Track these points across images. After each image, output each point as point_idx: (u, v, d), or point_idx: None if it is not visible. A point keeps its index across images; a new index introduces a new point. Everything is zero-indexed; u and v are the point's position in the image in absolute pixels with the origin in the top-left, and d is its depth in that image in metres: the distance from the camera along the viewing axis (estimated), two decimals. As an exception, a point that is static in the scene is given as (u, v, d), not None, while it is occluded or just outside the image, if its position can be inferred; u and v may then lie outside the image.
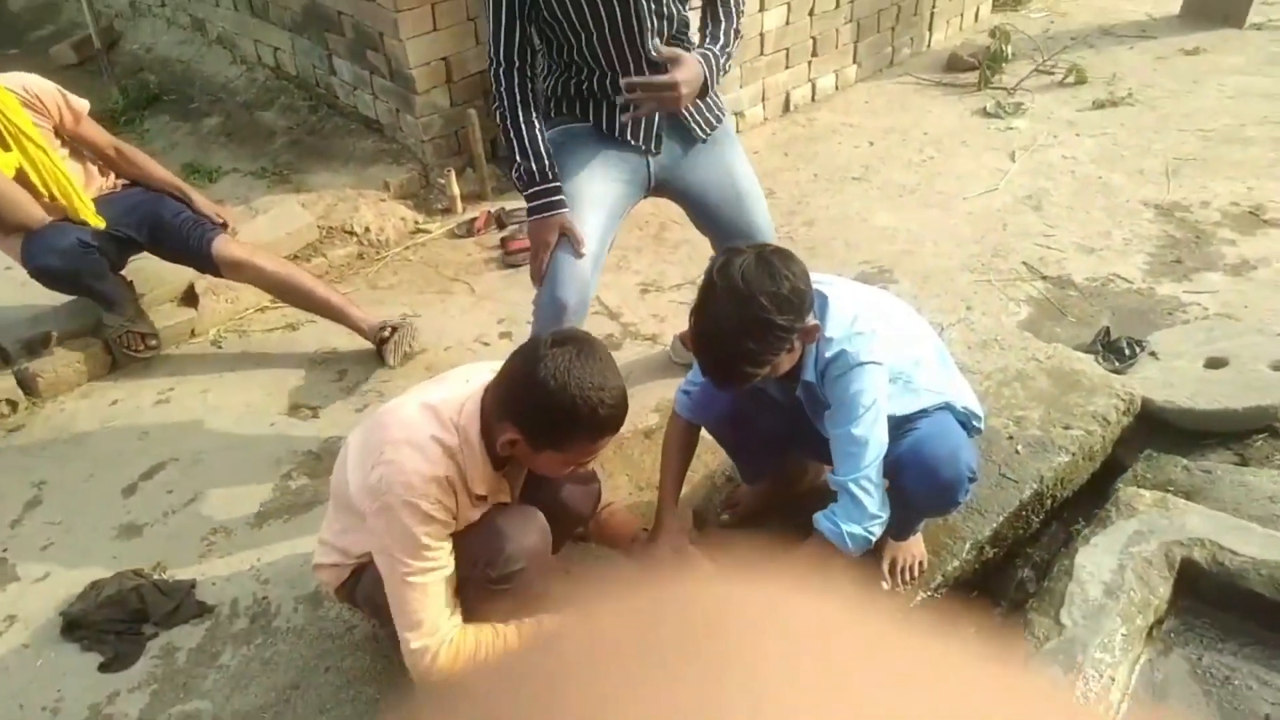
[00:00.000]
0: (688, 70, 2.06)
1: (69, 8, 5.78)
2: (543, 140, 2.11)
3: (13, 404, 2.87)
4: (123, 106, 4.53)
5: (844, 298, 1.80)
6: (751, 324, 1.61)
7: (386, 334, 2.97)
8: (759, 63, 4.41)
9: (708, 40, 2.18)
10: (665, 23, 2.13)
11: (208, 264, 2.87)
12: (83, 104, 2.79)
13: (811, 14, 4.51)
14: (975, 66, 4.91)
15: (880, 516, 1.75)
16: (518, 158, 2.11)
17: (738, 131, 4.42)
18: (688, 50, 2.15)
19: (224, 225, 2.94)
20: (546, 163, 2.11)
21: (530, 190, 2.12)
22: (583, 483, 1.95)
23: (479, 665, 1.20)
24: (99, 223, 2.74)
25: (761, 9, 4.25)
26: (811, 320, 1.71)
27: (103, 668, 2.08)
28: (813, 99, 4.75)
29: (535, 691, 0.25)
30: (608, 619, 0.29)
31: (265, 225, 3.53)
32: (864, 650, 0.28)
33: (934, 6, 5.26)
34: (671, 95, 2.06)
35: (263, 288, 2.99)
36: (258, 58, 4.73)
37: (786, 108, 4.67)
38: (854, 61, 4.93)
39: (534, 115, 2.11)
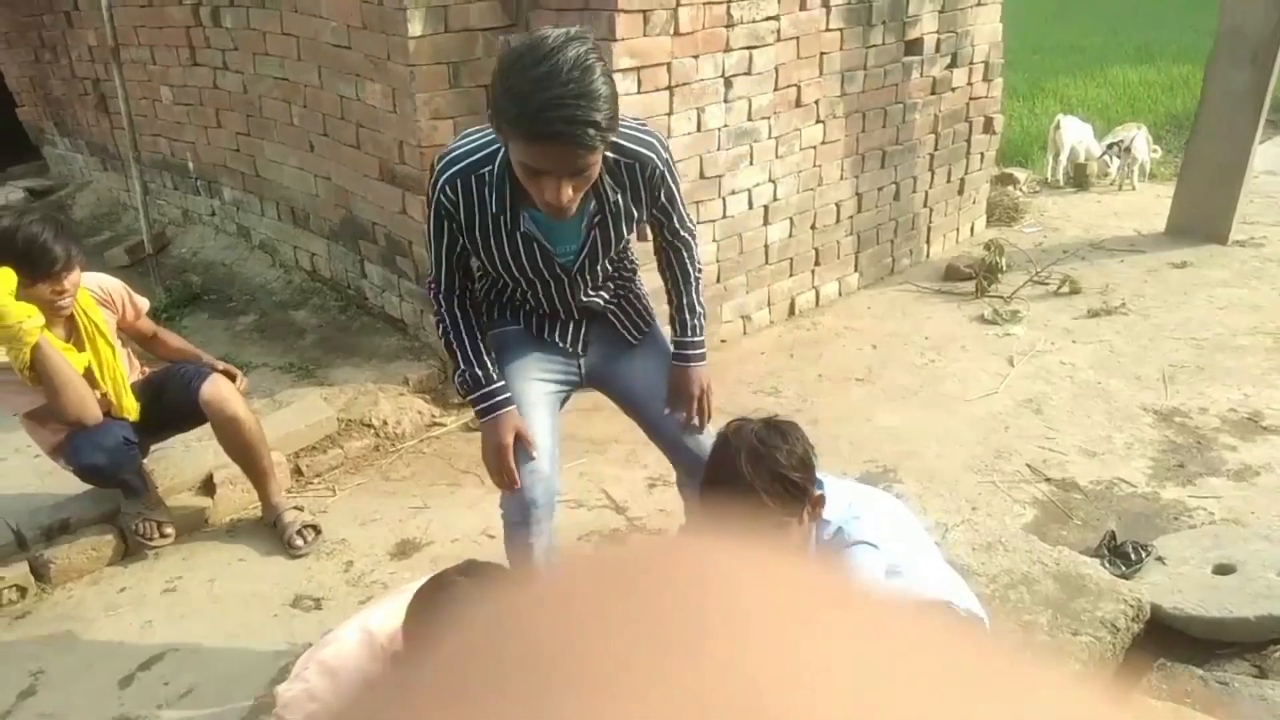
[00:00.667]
0: (696, 380, 2.25)
1: (127, 215, 6.24)
2: (484, 347, 2.11)
3: (22, 590, 2.88)
4: (165, 304, 4.79)
5: (838, 485, 1.84)
6: (770, 480, 1.63)
7: (289, 522, 3.08)
8: (764, 270, 4.65)
9: (677, 332, 2.27)
10: (601, 278, 2.19)
11: (195, 404, 2.92)
12: (144, 302, 3.09)
13: (813, 228, 4.80)
14: (972, 276, 5.15)
15: None
16: (460, 365, 2.09)
17: (744, 334, 4.61)
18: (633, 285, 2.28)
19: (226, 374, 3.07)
20: (490, 368, 2.09)
21: (476, 394, 2.08)
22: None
23: None
24: (135, 417, 2.91)
25: (765, 222, 4.53)
26: (818, 492, 1.73)
27: None
28: (816, 304, 4.97)
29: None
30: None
31: (288, 417, 3.65)
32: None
33: (930, 222, 5.59)
34: (708, 397, 2.28)
35: (227, 432, 3.01)
36: (295, 262, 5.05)
37: (791, 312, 4.87)
38: (855, 270, 5.18)
39: (474, 326, 2.11)
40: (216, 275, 5.22)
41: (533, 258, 2.02)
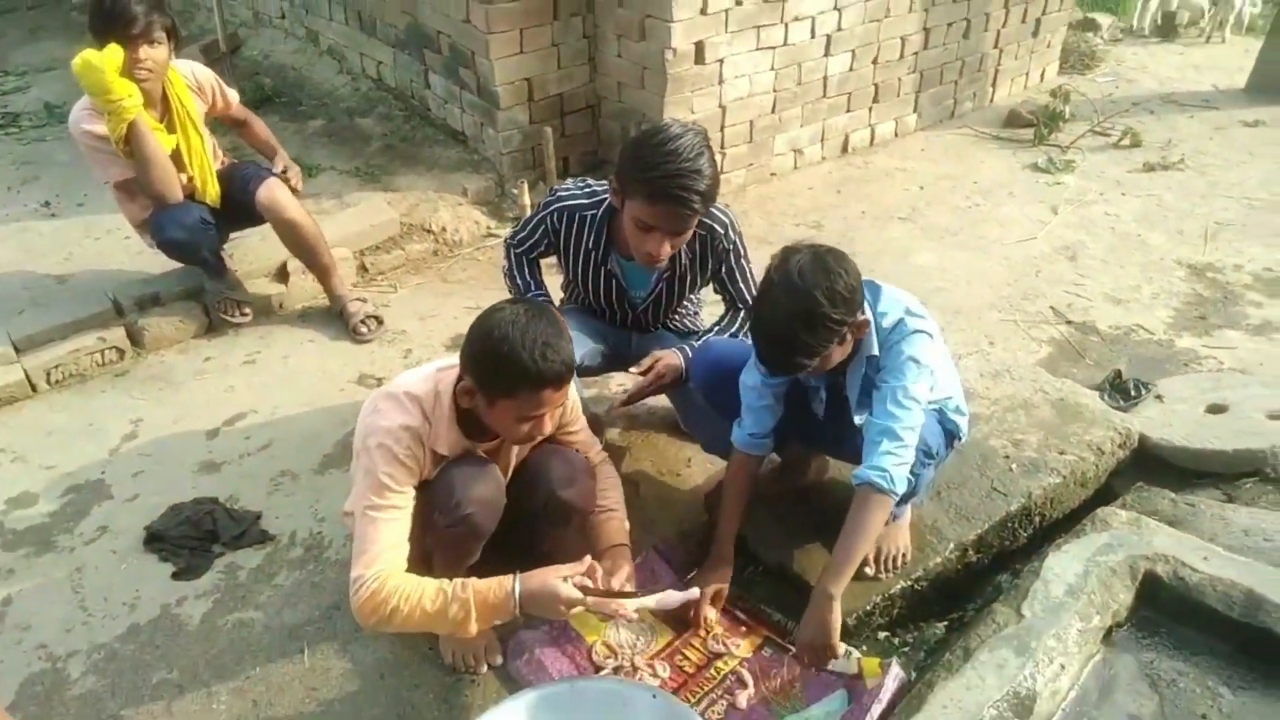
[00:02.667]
0: (666, 365, 2.36)
1: (200, 16, 6.31)
2: (537, 279, 2.51)
3: (120, 351, 3.21)
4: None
5: (897, 290, 1.98)
6: (806, 317, 1.77)
7: (354, 313, 3.33)
8: (821, 104, 4.62)
9: (717, 328, 2.49)
10: (664, 319, 2.56)
11: (252, 207, 3.13)
12: (234, 94, 3.28)
13: (875, 62, 4.71)
14: (1033, 123, 5.05)
15: (909, 463, 1.86)
16: (512, 290, 2.51)
17: (794, 168, 4.65)
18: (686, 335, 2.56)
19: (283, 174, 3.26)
20: (535, 287, 2.49)
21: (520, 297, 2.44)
22: (576, 482, 2.03)
23: (395, 605, 1.37)
24: (217, 203, 3.13)
25: (827, 53, 4.47)
26: (862, 316, 1.87)
27: (175, 576, 2.35)
28: (871, 142, 4.94)
29: None
30: None
31: (353, 217, 3.85)
32: None
33: (999, 65, 5.42)
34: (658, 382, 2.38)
35: (285, 232, 3.22)
36: (362, 69, 5.13)
37: (844, 149, 4.87)
38: (914, 111, 5.11)
39: (534, 269, 2.52)
40: (287, 79, 5.33)
41: (609, 290, 2.46)
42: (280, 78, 5.37)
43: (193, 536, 2.44)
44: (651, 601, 1.90)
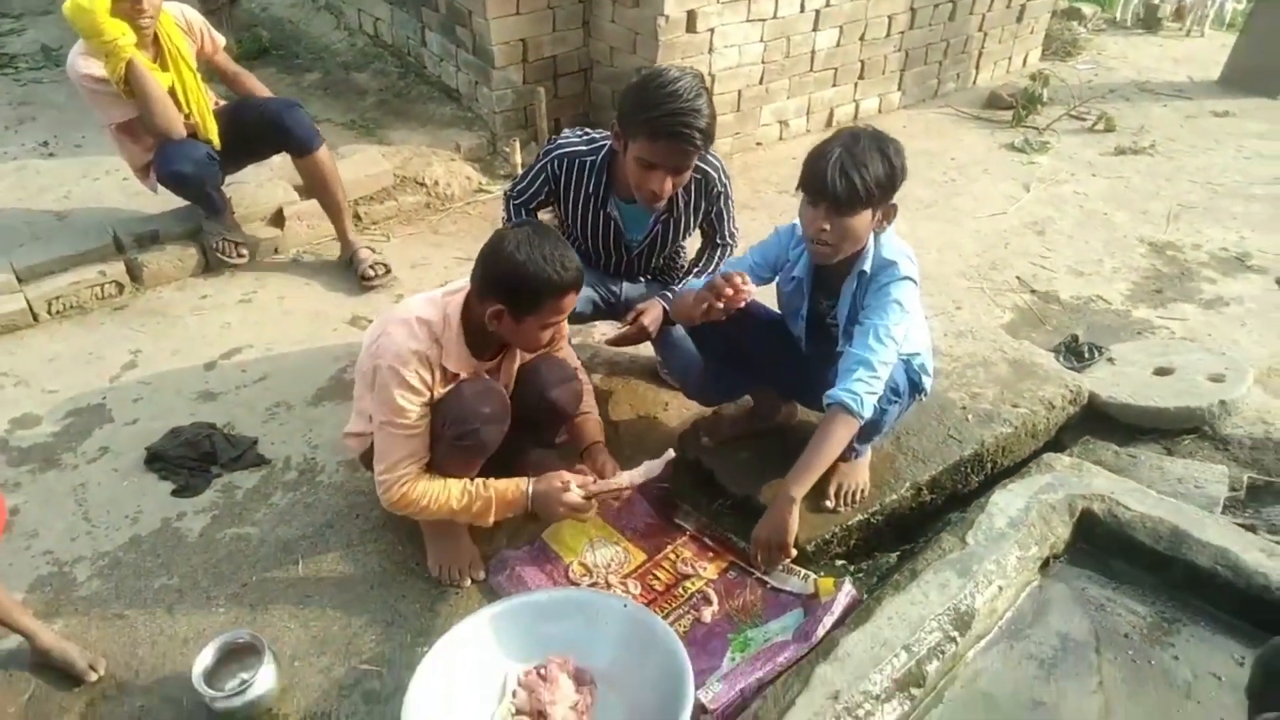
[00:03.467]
0: (651, 317, 2.54)
1: (197, -34, 6.32)
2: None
3: (120, 285, 3.31)
4: (236, 55, 4.97)
5: (901, 241, 2.11)
6: (880, 154, 1.92)
7: (364, 259, 3.43)
8: (808, 78, 4.73)
9: (696, 268, 2.66)
10: (655, 267, 2.69)
11: (272, 130, 3.24)
12: (220, 38, 3.32)
13: (862, 39, 4.83)
14: (1013, 105, 5.19)
15: (879, 394, 2.00)
16: None
17: (779, 139, 4.77)
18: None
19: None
20: None
21: None
22: (568, 384, 2.24)
23: (425, 504, 1.62)
24: (216, 143, 3.21)
25: (815, 28, 4.58)
26: (894, 202, 2.00)
27: (175, 493, 2.47)
28: (855, 117, 5.07)
29: None
30: None
31: (348, 167, 3.93)
32: None
33: (983, 47, 5.55)
34: (642, 337, 2.57)
35: (309, 162, 3.35)
36: (359, 25, 5.19)
37: (829, 123, 4.99)
38: (899, 88, 5.24)
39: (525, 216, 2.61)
40: (284, 31, 5.39)
41: (607, 235, 2.55)
42: (277, 30, 5.42)
43: (191, 458, 2.56)
44: (640, 474, 2.11)
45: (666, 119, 2.14)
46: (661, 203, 2.38)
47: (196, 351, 3.06)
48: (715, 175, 2.49)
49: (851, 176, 1.91)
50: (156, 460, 2.56)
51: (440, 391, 2.02)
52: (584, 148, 2.47)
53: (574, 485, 2.08)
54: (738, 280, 2.04)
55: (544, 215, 2.68)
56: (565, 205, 2.55)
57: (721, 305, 2.05)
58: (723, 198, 2.55)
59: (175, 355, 3.04)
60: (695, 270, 2.66)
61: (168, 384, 2.90)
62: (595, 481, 2.12)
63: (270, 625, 2.10)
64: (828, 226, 1.97)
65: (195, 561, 2.27)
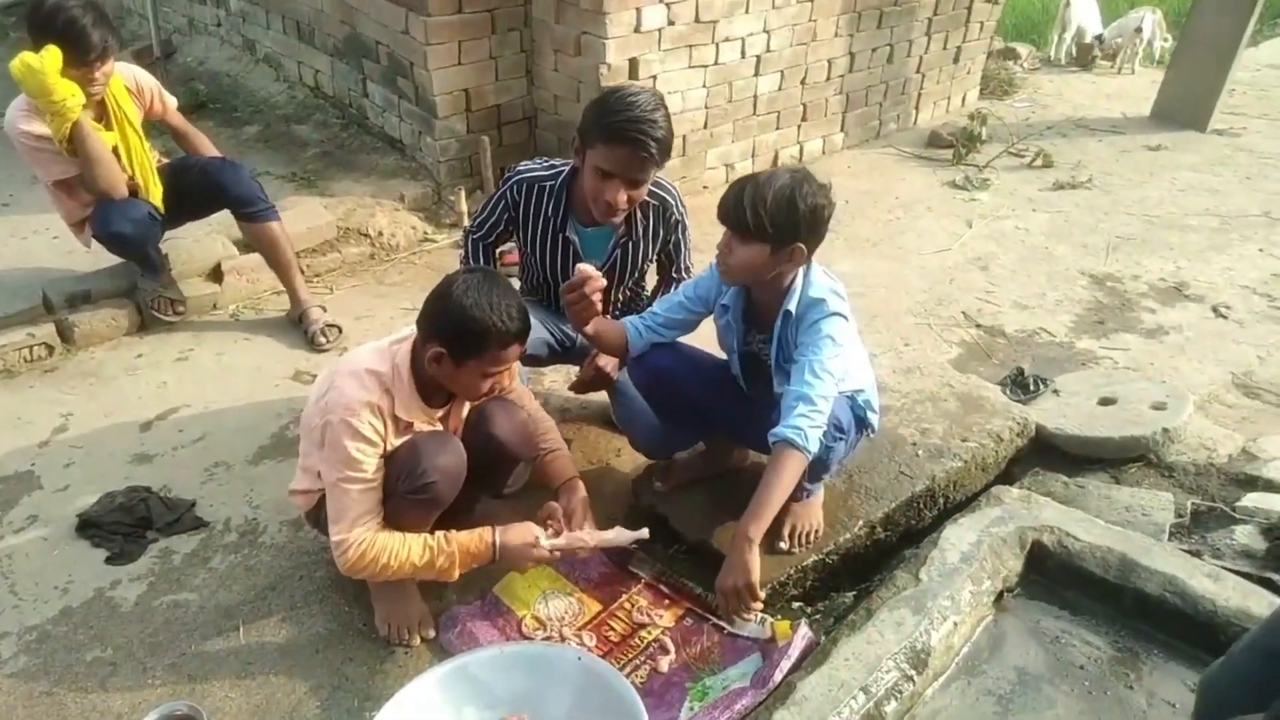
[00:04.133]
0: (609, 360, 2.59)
1: (133, 21, 6.32)
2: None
3: (49, 348, 3.25)
4: (173, 109, 5.00)
5: (830, 276, 2.16)
6: (785, 195, 1.95)
7: (315, 319, 3.42)
8: (751, 121, 4.85)
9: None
10: (617, 302, 2.72)
11: (215, 192, 3.26)
12: (172, 100, 3.37)
13: (804, 83, 4.97)
14: (953, 144, 5.36)
15: (823, 428, 2.03)
16: None
17: (724, 182, 4.85)
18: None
19: None
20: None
21: None
22: (518, 426, 2.23)
23: (385, 562, 1.63)
24: (159, 205, 3.21)
25: (757, 73, 4.71)
26: (802, 246, 2.02)
27: (109, 561, 2.41)
28: (800, 159, 5.20)
29: None
30: None
31: (289, 220, 3.89)
32: None
33: (921, 88, 5.75)
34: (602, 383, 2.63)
35: (259, 239, 3.40)
36: (299, 77, 5.22)
37: (774, 164, 5.10)
38: (841, 129, 5.39)
39: (489, 258, 2.67)
40: (222, 86, 5.40)
41: (566, 260, 2.56)
42: (215, 84, 5.43)
43: (126, 523, 2.50)
44: (610, 537, 2.14)
45: (624, 124, 2.23)
46: (618, 218, 2.44)
47: (131, 412, 3.01)
48: (673, 203, 2.57)
49: (745, 208, 1.98)
50: (89, 527, 2.50)
51: (394, 442, 2.01)
52: (544, 172, 2.53)
53: (544, 540, 2.09)
54: (585, 271, 2.15)
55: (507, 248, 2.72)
56: (525, 232, 2.59)
57: (577, 297, 2.15)
58: (680, 226, 2.62)
59: (108, 417, 2.99)
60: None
61: (100, 447, 2.85)
62: (564, 535, 2.14)
63: (210, 695, 2.04)
64: (725, 249, 2.08)
65: (130, 632, 2.21)
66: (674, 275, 2.71)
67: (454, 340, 1.93)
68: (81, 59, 2.85)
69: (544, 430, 2.35)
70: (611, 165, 2.29)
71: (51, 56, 2.78)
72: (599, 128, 2.27)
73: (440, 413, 2.12)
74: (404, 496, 1.99)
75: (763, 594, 2.05)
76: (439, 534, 2.05)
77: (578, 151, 2.38)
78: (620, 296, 2.75)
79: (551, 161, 2.57)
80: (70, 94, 2.83)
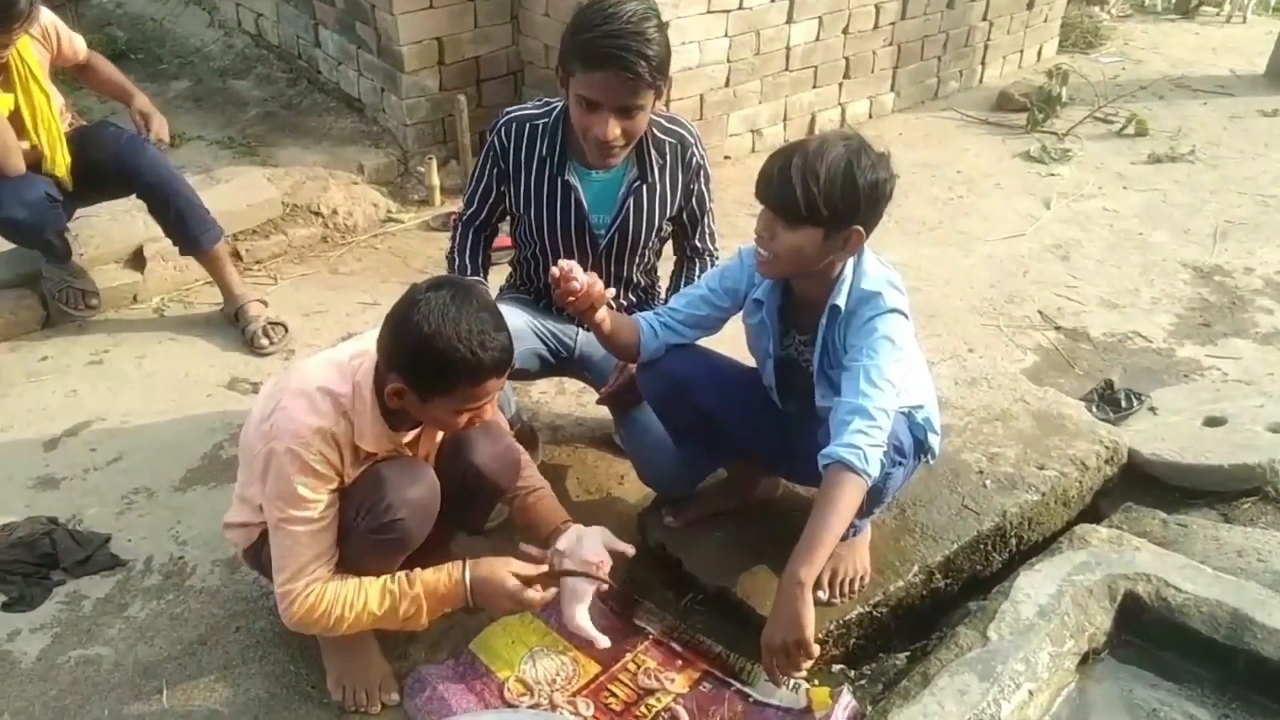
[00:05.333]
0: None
1: (38, -47, 6.35)
2: (478, 265, 2.66)
3: (-64, 348, 3.26)
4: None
5: (887, 264, 2.15)
6: (842, 170, 1.92)
7: (254, 316, 3.41)
8: (782, 78, 4.86)
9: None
10: (625, 280, 2.69)
11: (123, 172, 3.25)
12: (80, 39, 3.37)
13: (846, 32, 4.98)
14: (1026, 107, 5.36)
15: (883, 447, 2.00)
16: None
17: (751, 151, 4.87)
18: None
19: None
20: (471, 271, 2.64)
21: None
22: (502, 452, 2.23)
23: (339, 614, 1.60)
24: (66, 176, 3.19)
25: (790, 20, 4.71)
26: (859, 229, 2.00)
27: (5, 607, 2.41)
28: (841, 123, 5.20)
29: None
30: None
31: (225, 194, 3.93)
32: None
33: (988, 39, 5.75)
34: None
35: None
36: (238, 22, 5.24)
37: (811, 131, 5.11)
38: (892, 89, 5.39)
39: (479, 252, 2.67)
40: (145, 31, 5.42)
41: (567, 219, 2.53)
42: (136, 30, 5.46)
43: (28, 561, 2.50)
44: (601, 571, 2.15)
45: (603, 40, 2.19)
46: (616, 159, 2.40)
47: (33, 427, 3.01)
48: (691, 141, 2.54)
49: (795, 185, 1.94)
50: (-18, 566, 2.51)
51: (351, 474, 2.00)
52: (535, 109, 2.51)
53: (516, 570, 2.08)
54: (564, 267, 2.11)
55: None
56: (517, 187, 2.54)
57: (566, 294, 2.12)
58: (702, 173, 2.59)
59: (6, 433, 3.00)
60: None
61: (-3, 470, 2.85)
62: (538, 576, 2.11)
63: (126, 773, 2.04)
64: (766, 234, 2.04)
65: (30, 693, 2.21)
66: (696, 246, 2.69)
67: (415, 374, 1.90)
68: (4, 26, 2.85)
69: (522, 465, 2.33)
70: (595, 92, 2.25)
71: None
72: (576, 48, 2.25)
73: (408, 438, 2.12)
74: (365, 535, 1.98)
75: (816, 650, 2.02)
76: (400, 575, 2.04)
77: (562, 83, 2.35)
78: (636, 276, 2.71)
79: (547, 100, 2.54)
80: None
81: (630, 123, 2.32)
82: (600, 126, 2.28)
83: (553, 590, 2.12)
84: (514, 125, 2.50)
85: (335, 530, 2.00)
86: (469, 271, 2.63)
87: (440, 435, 2.21)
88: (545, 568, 2.14)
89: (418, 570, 2.05)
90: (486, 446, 2.19)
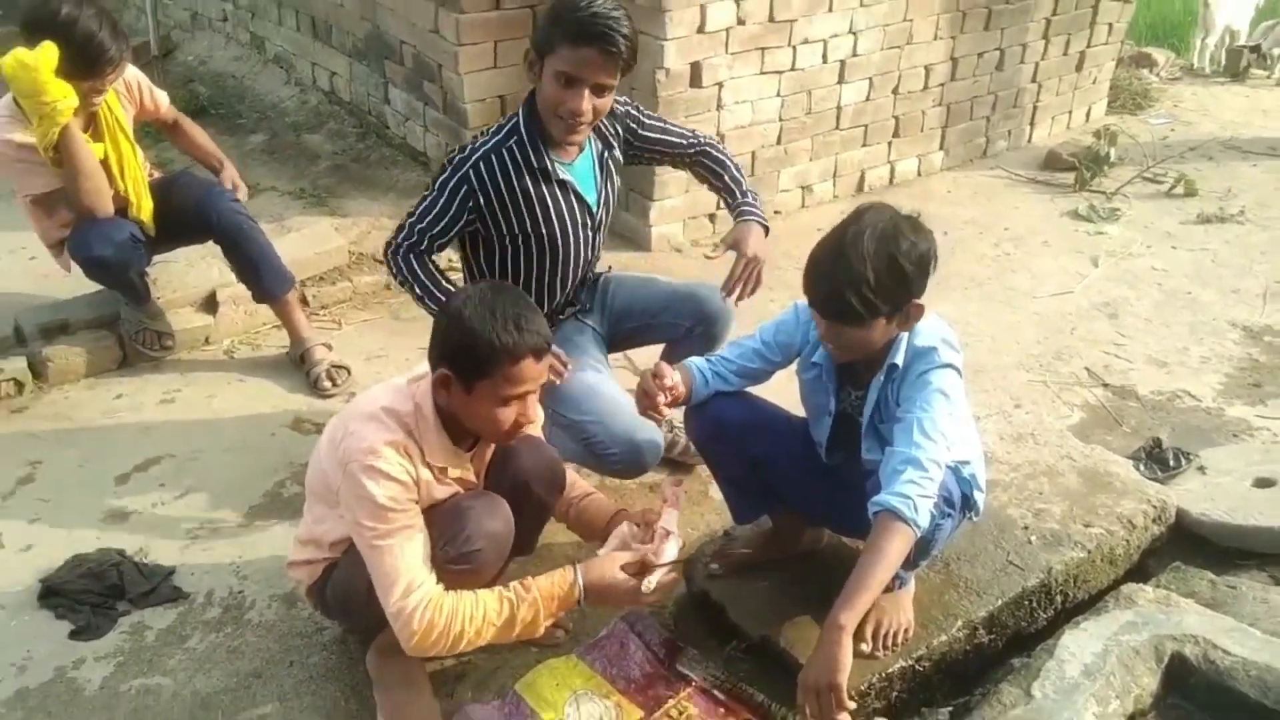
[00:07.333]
0: (755, 240, 2.70)
1: (129, 14, 6.58)
2: (443, 280, 2.63)
3: (19, 385, 3.34)
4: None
5: (940, 320, 2.16)
6: (885, 259, 1.94)
7: (318, 360, 3.46)
8: (833, 136, 4.86)
9: (736, 198, 2.83)
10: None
11: (204, 220, 3.35)
12: (163, 95, 3.50)
13: (896, 92, 4.98)
14: (1075, 167, 5.31)
15: (933, 499, 1.99)
16: (426, 299, 2.61)
17: (801, 206, 4.87)
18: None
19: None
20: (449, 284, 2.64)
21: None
22: (546, 462, 2.26)
23: (459, 630, 1.62)
24: (150, 222, 3.32)
25: (841, 80, 4.72)
26: (918, 300, 2.03)
27: (73, 635, 2.45)
28: (890, 181, 5.19)
29: None
30: None
31: (295, 242, 4.02)
32: None
33: (1037, 100, 5.72)
34: (759, 268, 2.69)
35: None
36: (313, 80, 5.38)
37: (860, 188, 5.10)
38: (941, 147, 5.37)
39: (429, 266, 2.63)
40: (225, 88, 5.58)
41: (570, 206, 2.62)
42: (218, 87, 5.62)
43: (95, 592, 2.54)
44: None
45: (589, 20, 2.33)
46: (580, 135, 2.52)
47: (107, 462, 3.07)
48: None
49: (847, 295, 1.95)
50: (53, 595, 2.55)
51: (429, 486, 2.03)
52: (494, 137, 2.55)
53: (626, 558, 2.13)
54: (665, 380, 2.19)
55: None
56: (506, 214, 2.56)
57: (662, 405, 2.20)
58: (632, 111, 2.75)
59: (82, 467, 3.05)
60: (733, 182, 2.84)
61: (71, 501, 2.91)
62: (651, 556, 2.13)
63: (181, 802, 2.05)
64: (831, 336, 2.07)
65: (93, 721, 2.23)
66: (689, 153, 2.84)
67: (457, 360, 1.95)
68: (96, 73, 3.00)
69: (566, 477, 2.39)
70: (577, 67, 2.35)
71: (46, 53, 2.89)
72: (560, 26, 2.35)
73: (469, 455, 2.16)
74: (443, 566, 2.00)
75: (851, 703, 1.98)
76: (513, 583, 2.04)
77: (532, 65, 2.45)
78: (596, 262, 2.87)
79: (488, 130, 2.60)
80: (63, 95, 2.94)
81: (600, 101, 2.44)
82: (576, 100, 2.39)
83: (659, 573, 2.11)
84: (491, 156, 2.52)
85: (428, 542, 2.00)
86: (442, 281, 2.62)
87: (490, 453, 2.23)
88: (648, 556, 2.14)
89: (529, 577, 2.06)
90: (530, 456, 2.24)
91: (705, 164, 2.86)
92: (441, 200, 2.54)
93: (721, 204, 2.96)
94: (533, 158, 2.53)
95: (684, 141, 2.84)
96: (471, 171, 2.51)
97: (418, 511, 2.00)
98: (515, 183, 2.54)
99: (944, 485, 2.06)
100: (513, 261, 2.66)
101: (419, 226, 2.57)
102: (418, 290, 2.61)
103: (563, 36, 2.34)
